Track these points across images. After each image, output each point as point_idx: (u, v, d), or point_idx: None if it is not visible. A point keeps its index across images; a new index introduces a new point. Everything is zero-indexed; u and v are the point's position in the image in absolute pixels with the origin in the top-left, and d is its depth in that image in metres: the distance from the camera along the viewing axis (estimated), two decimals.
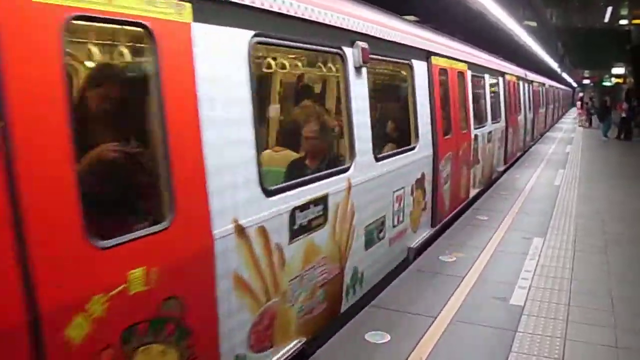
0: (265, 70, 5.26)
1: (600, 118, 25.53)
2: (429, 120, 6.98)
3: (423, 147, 6.69)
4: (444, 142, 7.44)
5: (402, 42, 6.08)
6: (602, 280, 5.74)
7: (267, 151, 5.11)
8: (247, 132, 3.36)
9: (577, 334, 4.47)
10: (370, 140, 5.07)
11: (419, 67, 6.75)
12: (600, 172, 13.78)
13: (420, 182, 6.59)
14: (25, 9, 2.10)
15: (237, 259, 3.24)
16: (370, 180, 5.03)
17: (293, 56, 5.70)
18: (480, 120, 10.39)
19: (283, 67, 5.42)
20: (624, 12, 29.05)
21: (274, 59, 5.31)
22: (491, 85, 11.52)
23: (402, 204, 5.99)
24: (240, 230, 3.24)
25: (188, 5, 2.82)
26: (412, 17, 9.46)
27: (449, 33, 9.02)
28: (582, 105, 33.84)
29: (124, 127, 2.99)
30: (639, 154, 18.93)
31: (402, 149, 6.23)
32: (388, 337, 4.37)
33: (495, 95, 12.14)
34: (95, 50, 2.87)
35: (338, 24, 4.43)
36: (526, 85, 17.62)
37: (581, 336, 4.44)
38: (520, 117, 16.10)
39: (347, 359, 4.05)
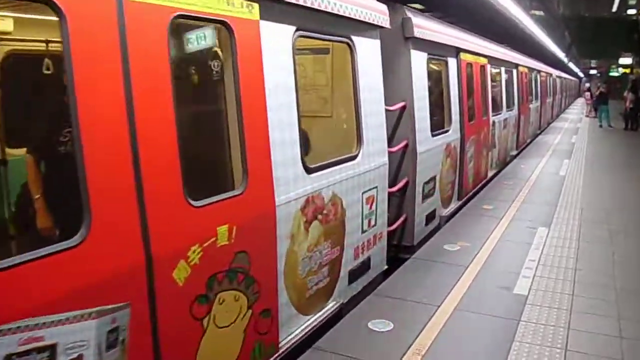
0: None
1: (595, 107, 25.58)
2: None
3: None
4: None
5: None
6: (607, 270, 5.73)
7: None
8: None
9: (581, 324, 4.47)
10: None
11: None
12: (606, 162, 13.70)
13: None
14: None
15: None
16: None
17: None
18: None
19: None
20: (632, 1, 28.78)
21: None
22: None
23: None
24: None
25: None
26: (417, 5, 9.38)
27: (454, 22, 8.95)
28: (591, 95, 33.66)
29: None
30: None
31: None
32: (391, 326, 4.38)
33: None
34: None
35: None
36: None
37: (585, 326, 4.44)
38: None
39: (350, 347, 4.06)
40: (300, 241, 3.96)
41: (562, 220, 7.67)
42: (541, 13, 23.52)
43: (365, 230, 5.06)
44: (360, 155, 4.84)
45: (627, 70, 43.48)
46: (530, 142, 17.11)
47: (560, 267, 5.76)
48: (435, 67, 7.75)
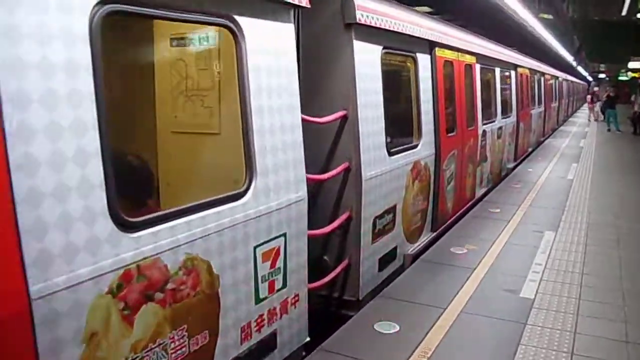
0: None
1: (603, 110, 25.59)
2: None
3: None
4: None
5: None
6: (614, 274, 5.72)
7: None
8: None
9: (587, 328, 4.46)
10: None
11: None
12: (614, 166, 13.65)
13: None
14: None
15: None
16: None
17: None
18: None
19: None
20: None
21: None
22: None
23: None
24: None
25: None
26: (425, 9, 9.40)
27: (463, 26, 8.93)
28: (592, 99, 33.76)
29: None
30: None
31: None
32: (397, 327, 4.40)
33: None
34: None
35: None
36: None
37: (591, 330, 4.43)
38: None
39: (356, 349, 4.08)
40: (114, 341, 2.45)
41: (569, 224, 7.66)
42: (550, 17, 23.47)
43: (264, 299, 3.53)
44: (250, 191, 3.33)
45: (637, 75, 43.20)
46: (532, 151, 15.63)
47: (567, 271, 5.76)
48: (397, 66, 6.24)
